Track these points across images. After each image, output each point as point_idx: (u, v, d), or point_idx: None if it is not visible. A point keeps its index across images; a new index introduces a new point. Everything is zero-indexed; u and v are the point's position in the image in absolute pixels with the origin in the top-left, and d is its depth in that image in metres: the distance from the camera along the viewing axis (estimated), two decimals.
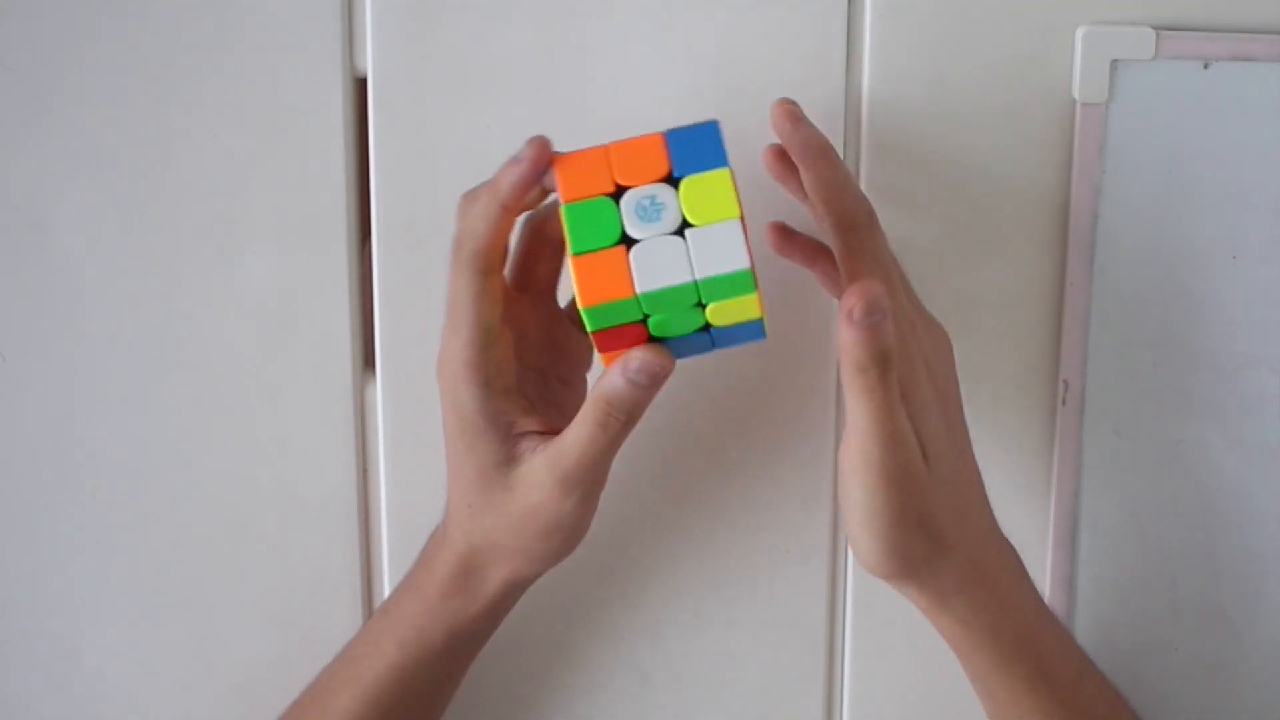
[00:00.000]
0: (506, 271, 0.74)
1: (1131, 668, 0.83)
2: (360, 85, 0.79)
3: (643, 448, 0.82)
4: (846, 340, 0.65)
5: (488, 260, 0.70)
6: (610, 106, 0.78)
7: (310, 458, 0.82)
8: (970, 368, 0.76)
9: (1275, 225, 0.79)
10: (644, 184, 0.67)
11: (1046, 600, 0.82)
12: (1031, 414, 0.82)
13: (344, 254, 0.81)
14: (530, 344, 0.75)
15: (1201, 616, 0.83)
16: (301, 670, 0.79)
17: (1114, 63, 0.77)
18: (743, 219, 0.66)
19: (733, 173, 0.67)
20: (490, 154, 0.74)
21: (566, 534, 0.72)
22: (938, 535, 0.69)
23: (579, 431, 0.69)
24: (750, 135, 0.77)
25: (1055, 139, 0.79)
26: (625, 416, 0.69)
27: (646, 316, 0.67)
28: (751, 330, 0.69)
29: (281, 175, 0.80)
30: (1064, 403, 0.81)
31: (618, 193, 0.67)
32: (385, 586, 0.83)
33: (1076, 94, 0.78)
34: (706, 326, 0.68)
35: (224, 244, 0.80)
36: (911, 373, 0.69)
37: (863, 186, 0.79)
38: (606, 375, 0.69)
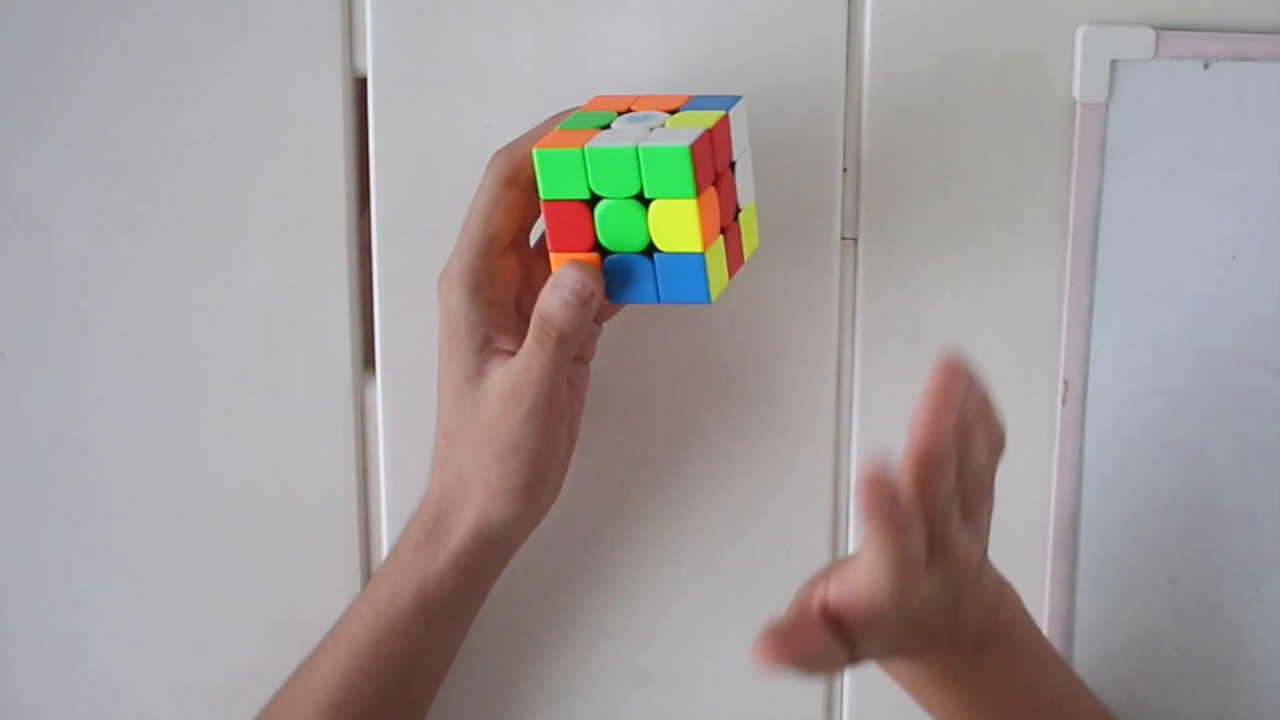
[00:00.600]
0: (539, 234, 0.76)
1: (1131, 668, 0.83)
2: (360, 85, 0.79)
3: (642, 447, 0.82)
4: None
5: (515, 168, 0.72)
6: None
7: (310, 458, 0.82)
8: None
9: (1275, 225, 0.79)
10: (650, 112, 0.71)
11: (1046, 602, 0.82)
12: (1031, 414, 0.81)
13: (344, 254, 0.81)
14: (533, 298, 0.75)
15: (1201, 616, 0.83)
16: None
17: (1114, 63, 0.77)
18: (718, 140, 0.70)
19: (731, 119, 0.71)
20: (490, 154, 0.74)
21: (523, 461, 0.72)
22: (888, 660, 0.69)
23: (523, 348, 0.71)
24: (749, 135, 0.77)
25: (1055, 139, 0.79)
26: (557, 334, 0.70)
27: (595, 200, 0.69)
28: (694, 277, 0.70)
29: (281, 175, 0.80)
30: (1064, 403, 0.81)
31: (625, 114, 0.72)
32: None
33: (1076, 94, 0.78)
34: (650, 251, 0.69)
35: (224, 244, 0.80)
36: (886, 629, 0.66)
37: (863, 186, 0.79)
38: (543, 291, 0.71)
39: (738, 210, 0.72)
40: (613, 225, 0.69)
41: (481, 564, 0.76)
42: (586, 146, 0.68)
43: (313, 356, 0.82)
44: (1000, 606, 0.70)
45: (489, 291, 0.73)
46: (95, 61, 0.78)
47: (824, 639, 0.65)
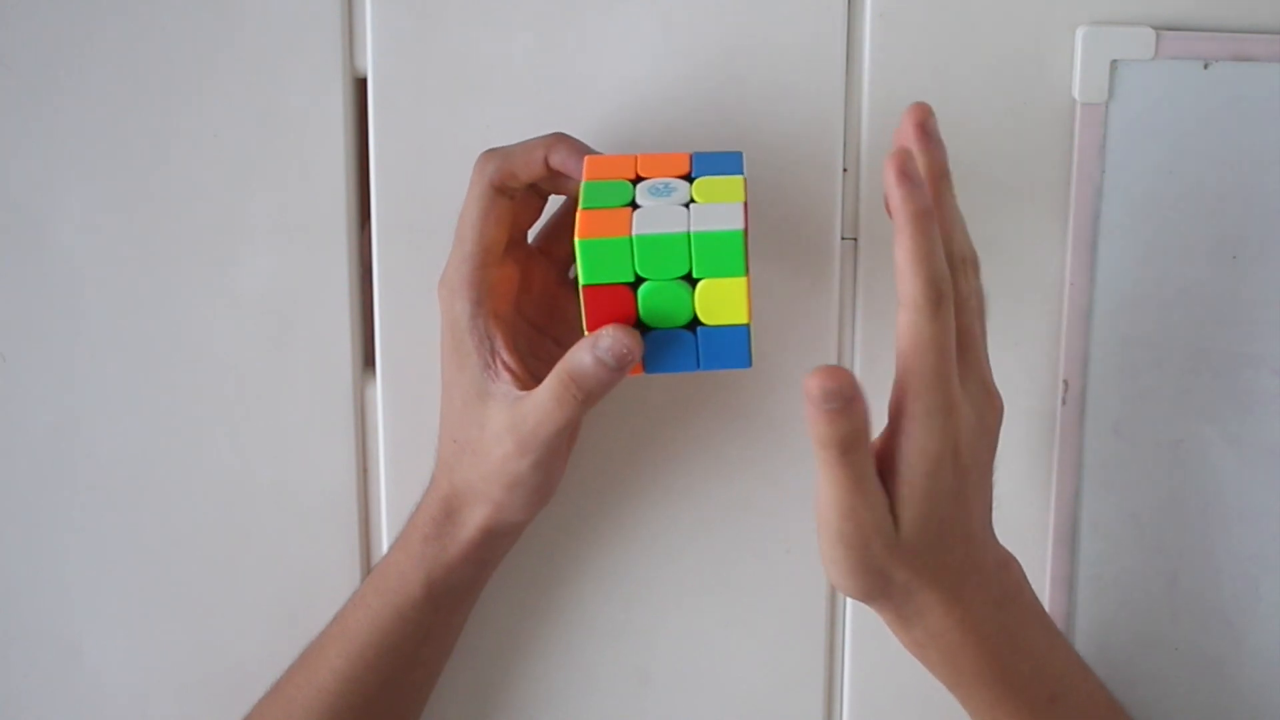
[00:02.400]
0: (537, 231, 0.77)
1: (1131, 668, 0.83)
2: (360, 85, 0.79)
3: (642, 448, 0.82)
4: (808, 416, 0.65)
5: (503, 178, 0.73)
6: (610, 107, 0.78)
7: (310, 458, 0.82)
8: None
9: (1275, 225, 0.79)
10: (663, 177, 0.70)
11: (1047, 602, 0.82)
12: (1031, 414, 0.82)
13: (344, 254, 0.81)
14: (532, 298, 0.77)
15: (1201, 616, 0.83)
16: None
17: (1114, 63, 0.77)
18: (746, 212, 0.68)
19: (747, 182, 0.69)
20: None
21: (529, 491, 0.74)
22: (898, 582, 0.69)
23: (538, 400, 0.71)
24: (749, 135, 0.77)
25: (1055, 139, 0.79)
26: (584, 395, 0.70)
27: (639, 282, 0.68)
28: (737, 346, 0.69)
29: (281, 175, 0.80)
30: (1064, 403, 0.81)
31: (637, 180, 0.70)
32: None
33: (1076, 94, 0.78)
34: (694, 325, 0.69)
35: (224, 243, 0.80)
36: (933, 455, 0.67)
37: (863, 186, 0.79)
38: (575, 349, 0.69)
39: None
40: (657, 305, 0.68)
41: (490, 554, 0.78)
42: (635, 234, 0.67)
43: (313, 356, 0.82)
44: (1010, 565, 0.72)
45: (490, 303, 0.73)
46: (95, 61, 0.78)
47: (870, 438, 0.67)
